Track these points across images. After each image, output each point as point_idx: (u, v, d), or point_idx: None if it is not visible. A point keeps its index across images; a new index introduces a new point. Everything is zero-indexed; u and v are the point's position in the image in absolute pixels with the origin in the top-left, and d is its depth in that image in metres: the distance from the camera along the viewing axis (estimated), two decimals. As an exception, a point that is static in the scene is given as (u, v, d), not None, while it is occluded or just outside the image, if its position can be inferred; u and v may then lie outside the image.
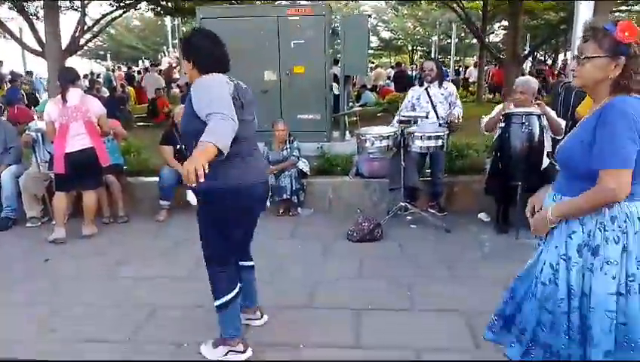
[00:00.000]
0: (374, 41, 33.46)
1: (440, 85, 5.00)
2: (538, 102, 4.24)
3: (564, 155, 1.80)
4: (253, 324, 2.90)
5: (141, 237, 4.64)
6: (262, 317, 2.94)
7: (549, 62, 28.73)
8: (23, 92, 12.64)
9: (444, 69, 5.56)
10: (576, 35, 6.60)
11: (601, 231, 1.67)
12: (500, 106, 4.48)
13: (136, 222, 5.04)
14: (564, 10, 13.88)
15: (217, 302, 2.54)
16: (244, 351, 2.60)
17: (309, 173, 5.30)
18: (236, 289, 2.57)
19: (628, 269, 1.65)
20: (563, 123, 4.22)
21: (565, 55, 20.36)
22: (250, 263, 2.81)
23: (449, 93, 5.01)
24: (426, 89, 4.98)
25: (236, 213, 2.46)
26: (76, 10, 10.26)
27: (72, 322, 3.07)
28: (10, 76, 14.56)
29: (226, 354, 2.60)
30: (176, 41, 21.82)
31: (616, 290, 1.65)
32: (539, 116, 4.09)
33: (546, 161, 4.24)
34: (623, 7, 15.77)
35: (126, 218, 5.09)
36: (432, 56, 26.08)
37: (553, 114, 4.23)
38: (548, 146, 4.31)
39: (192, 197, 5.01)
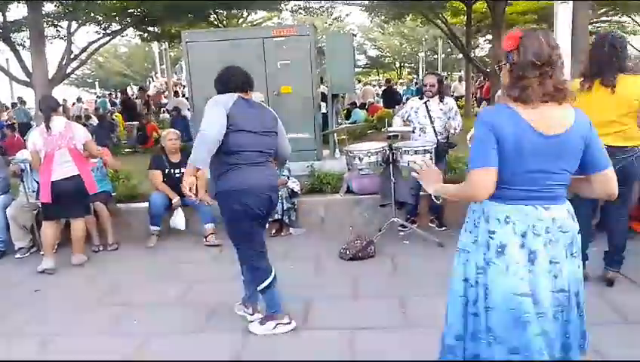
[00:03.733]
0: (362, 60, 33.84)
1: (441, 100, 4.92)
2: None
3: None
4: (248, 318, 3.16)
5: (131, 264, 4.57)
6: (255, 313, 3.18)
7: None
8: (11, 122, 12.62)
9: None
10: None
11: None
12: None
13: (127, 249, 4.98)
14: (546, 22, 14.13)
15: (259, 287, 2.99)
16: (289, 323, 3.04)
17: (299, 192, 5.29)
18: (269, 278, 2.97)
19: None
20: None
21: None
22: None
23: (449, 108, 4.93)
24: (425, 103, 4.94)
25: (238, 212, 2.86)
26: (62, 38, 10.31)
27: (62, 353, 2.99)
28: None
29: (274, 327, 3.00)
30: (164, 66, 21.88)
31: (464, 277, 1.88)
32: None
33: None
34: (604, 18, 16.11)
35: (116, 245, 5.03)
36: (419, 72, 26.34)
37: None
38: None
39: (179, 222, 5.00)
